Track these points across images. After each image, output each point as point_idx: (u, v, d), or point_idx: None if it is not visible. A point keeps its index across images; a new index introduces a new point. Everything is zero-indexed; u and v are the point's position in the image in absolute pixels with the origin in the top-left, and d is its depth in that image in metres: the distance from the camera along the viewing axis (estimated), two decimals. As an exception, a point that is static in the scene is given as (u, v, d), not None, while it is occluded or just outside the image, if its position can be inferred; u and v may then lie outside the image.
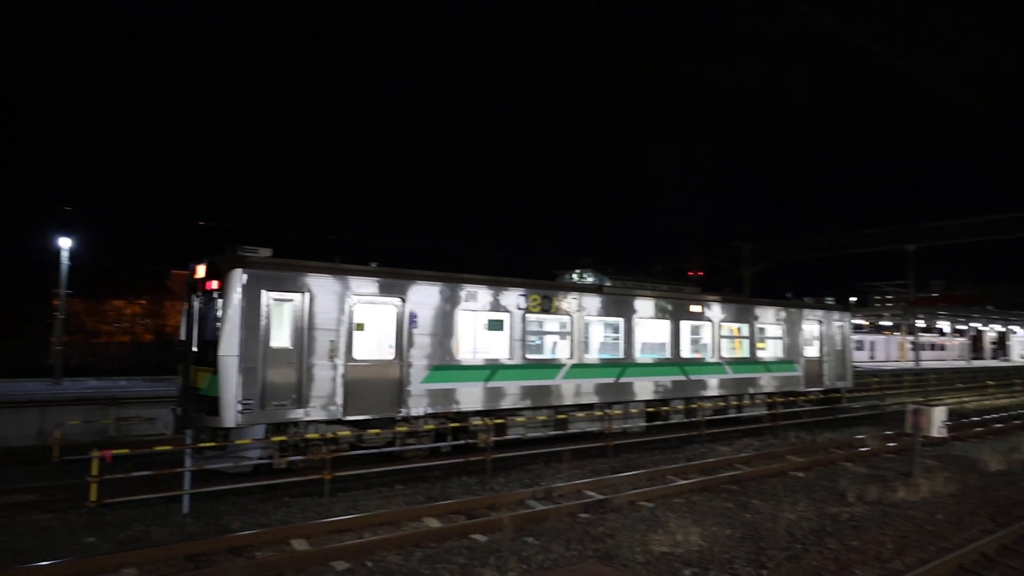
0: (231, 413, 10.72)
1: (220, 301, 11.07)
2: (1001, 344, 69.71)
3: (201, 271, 11.81)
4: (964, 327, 58.41)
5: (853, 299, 70.38)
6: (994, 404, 28.65)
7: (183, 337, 12.41)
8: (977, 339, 65.77)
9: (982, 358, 62.75)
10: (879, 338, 62.12)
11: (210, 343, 11.21)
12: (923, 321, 54.35)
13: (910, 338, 51.93)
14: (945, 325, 60.22)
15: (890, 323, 60.31)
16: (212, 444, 11.02)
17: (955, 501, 10.76)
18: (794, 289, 22.17)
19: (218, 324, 11.05)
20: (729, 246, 43.53)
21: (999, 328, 63.98)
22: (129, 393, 18.86)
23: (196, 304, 12.03)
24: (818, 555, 7.97)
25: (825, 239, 43.41)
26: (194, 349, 11.87)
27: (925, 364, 48.14)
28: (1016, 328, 64.58)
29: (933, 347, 64.99)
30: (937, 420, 12.71)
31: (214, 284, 11.25)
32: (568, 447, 14.14)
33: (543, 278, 16.64)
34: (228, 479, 10.91)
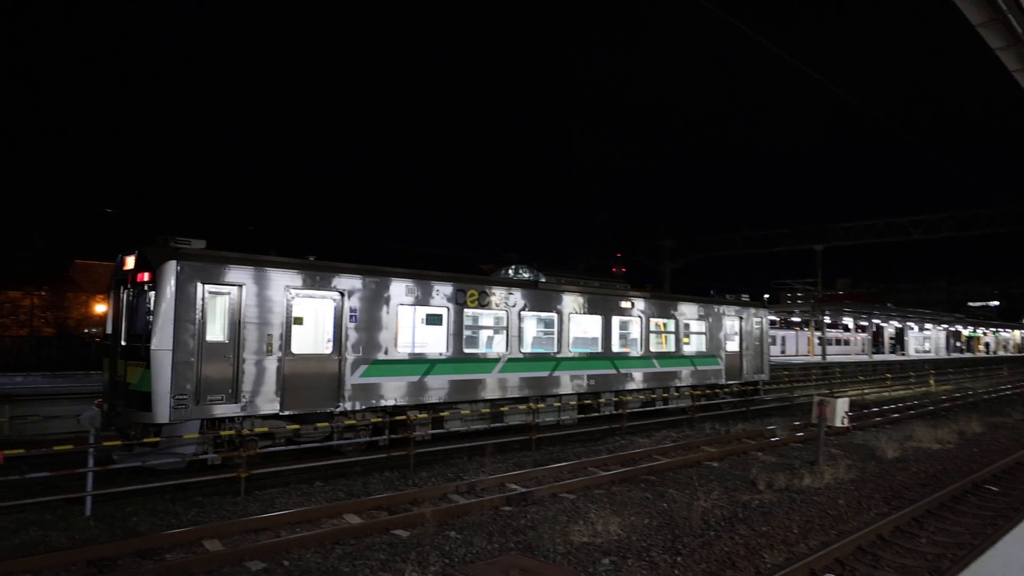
0: (164, 409, 10.40)
1: (152, 294, 10.73)
2: (899, 339, 74.37)
3: (131, 262, 11.49)
4: (866, 323, 61.92)
5: (766, 296, 73.50)
6: (892, 395, 30.55)
7: (109, 331, 12.04)
8: (878, 335, 69.86)
9: (882, 352, 66.71)
10: (789, 333, 65.09)
11: (142, 337, 10.89)
12: (829, 317, 57.28)
13: (818, 334, 54.67)
14: (849, 321, 63.66)
15: (799, 319, 63.30)
16: (140, 441, 10.48)
17: (855, 487, 11.39)
18: (711, 286, 23.24)
19: (150, 317, 10.74)
20: (650, 243, 44.66)
21: (897, 324, 68.21)
22: (24, 390, 17.69)
23: (125, 296, 11.67)
24: (729, 541, 8.28)
25: (740, 238, 45.19)
26: (123, 343, 11.53)
27: (831, 358, 50.78)
28: (912, 325, 69.00)
29: (838, 342, 68.63)
30: (840, 411, 13.44)
31: (145, 276, 10.96)
32: (491, 441, 14.19)
33: (467, 272, 16.64)
34: (137, 479, 10.42)
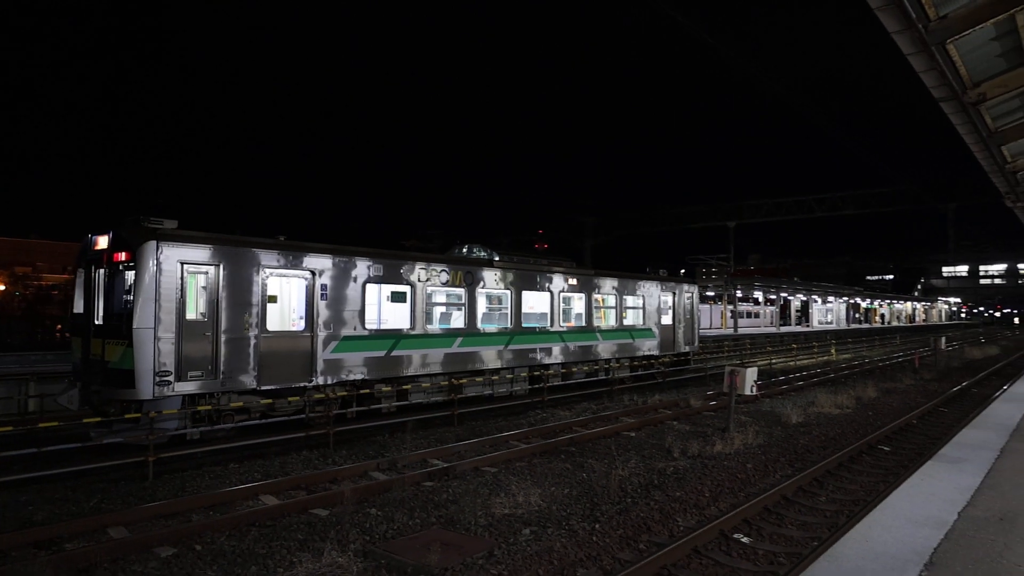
0: (148, 385, 10.70)
1: (132, 273, 10.98)
2: (804, 312, 78.42)
3: (103, 242, 11.63)
4: (774, 297, 64.91)
5: (682, 271, 75.87)
6: (797, 364, 32.25)
7: (78, 310, 12.16)
8: (785, 308, 73.41)
9: (789, 324, 70.20)
10: (704, 307, 67.49)
11: (122, 315, 11.11)
12: (741, 291, 59.71)
13: (730, 307, 56.93)
14: (759, 295, 66.56)
15: (713, 293, 65.73)
16: (120, 418, 10.77)
17: (762, 451, 11.98)
18: (630, 261, 23.89)
19: (130, 296, 11.00)
20: (572, 220, 45.22)
21: (803, 298, 71.83)
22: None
23: (99, 276, 11.87)
24: (645, 507, 8.56)
25: (659, 215, 46.37)
26: (98, 322, 11.76)
27: (743, 330, 53.06)
28: (816, 298, 72.85)
29: (749, 315, 71.68)
30: (749, 380, 14.05)
31: (122, 256, 11.20)
32: (412, 417, 14.14)
33: (388, 246, 16.58)
34: (34, 467, 9.81)
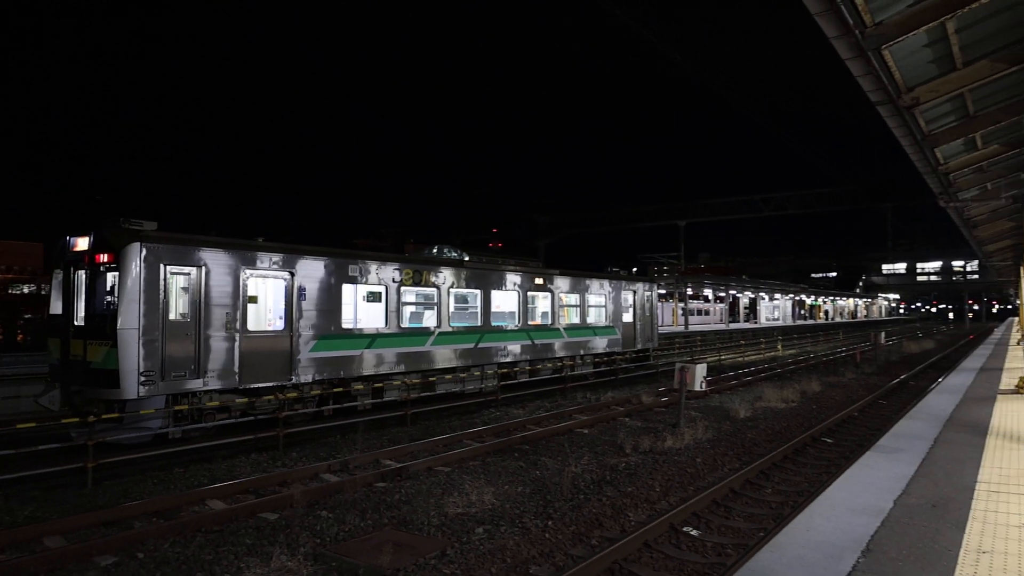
0: (132, 385, 10.83)
1: (115, 274, 11.10)
2: (752, 309, 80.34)
3: (83, 243, 11.74)
4: (723, 294, 66.29)
5: (635, 269, 76.94)
6: (745, 360, 33.03)
7: (56, 311, 12.25)
8: (734, 305, 75.06)
9: (738, 321, 71.79)
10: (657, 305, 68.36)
11: (106, 316, 11.21)
12: (691, 289, 60.82)
13: (681, 305, 57.93)
14: (709, 293, 67.88)
15: (664, 291, 66.82)
16: (101, 417, 10.71)
17: (711, 446, 12.24)
18: (583, 260, 24.23)
19: (112, 297, 11.17)
20: (526, 219, 45.39)
21: (751, 295, 73.57)
22: None
23: (79, 277, 11.96)
24: (598, 503, 8.65)
25: (612, 214, 46.90)
26: (78, 323, 11.83)
27: (693, 327, 54.03)
28: (764, 295, 74.70)
29: (699, 312, 73.07)
30: (699, 376, 14.36)
31: (104, 257, 11.33)
32: (364, 418, 14.00)
33: (340, 246, 16.51)
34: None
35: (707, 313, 72.36)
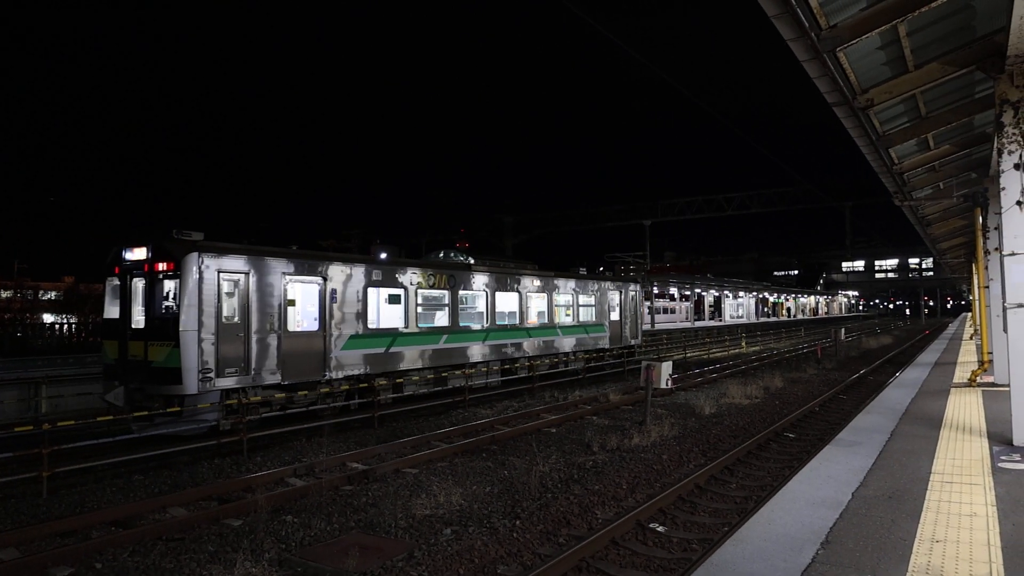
0: (193, 381, 11.79)
1: (175, 281, 12.22)
2: (717, 307, 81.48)
3: (140, 253, 12.71)
4: (689, 292, 67.14)
5: (601, 268, 77.42)
6: (710, 357, 33.49)
7: (111, 316, 13.21)
8: (699, 303, 76.03)
9: (703, 319, 72.74)
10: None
11: (167, 319, 12.23)
12: (657, 288, 61.47)
13: (647, 303, 58.51)
14: (675, 291, 68.67)
15: (632, 290, 67.24)
16: (162, 412, 11.65)
17: (677, 442, 12.38)
18: (550, 260, 24.45)
19: (171, 302, 12.40)
20: (493, 219, 45.38)
21: (716, 293, 74.62)
22: None
23: (135, 284, 12.93)
24: (565, 501, 8.69)
25: (578, 214, 47.14)
26: (137, 327, 12.74)
27: (659, 326, 54.60)
28: (728, 293, 75.83)
29: (665, 311, 73.89)
30: (665, 374, 14.51)
31: (163, 266, 12.35)
32: (328, 421, 13.87)
33: (305, 246, 16.41)
34: None
35: (673, 311, 73.19)
